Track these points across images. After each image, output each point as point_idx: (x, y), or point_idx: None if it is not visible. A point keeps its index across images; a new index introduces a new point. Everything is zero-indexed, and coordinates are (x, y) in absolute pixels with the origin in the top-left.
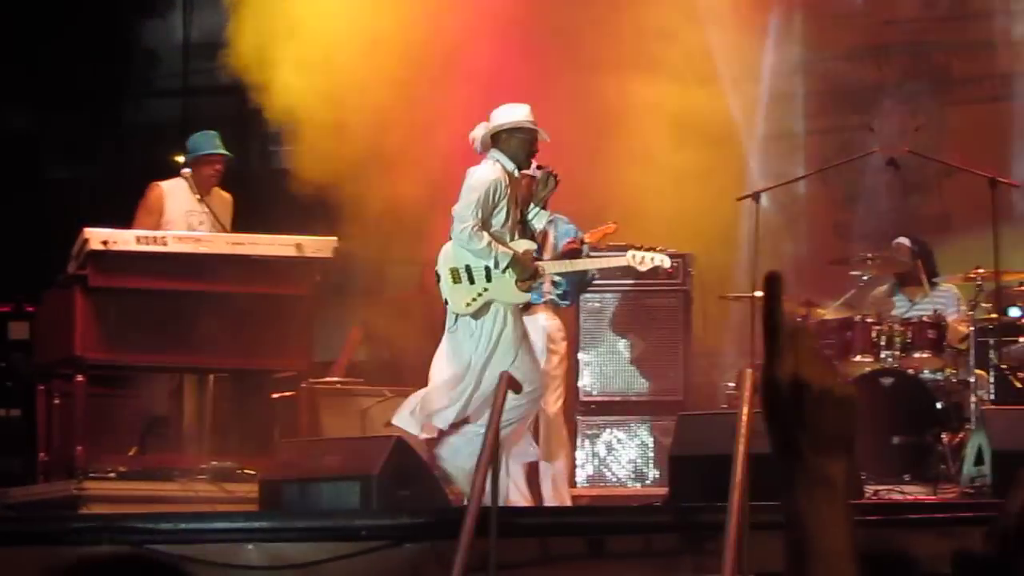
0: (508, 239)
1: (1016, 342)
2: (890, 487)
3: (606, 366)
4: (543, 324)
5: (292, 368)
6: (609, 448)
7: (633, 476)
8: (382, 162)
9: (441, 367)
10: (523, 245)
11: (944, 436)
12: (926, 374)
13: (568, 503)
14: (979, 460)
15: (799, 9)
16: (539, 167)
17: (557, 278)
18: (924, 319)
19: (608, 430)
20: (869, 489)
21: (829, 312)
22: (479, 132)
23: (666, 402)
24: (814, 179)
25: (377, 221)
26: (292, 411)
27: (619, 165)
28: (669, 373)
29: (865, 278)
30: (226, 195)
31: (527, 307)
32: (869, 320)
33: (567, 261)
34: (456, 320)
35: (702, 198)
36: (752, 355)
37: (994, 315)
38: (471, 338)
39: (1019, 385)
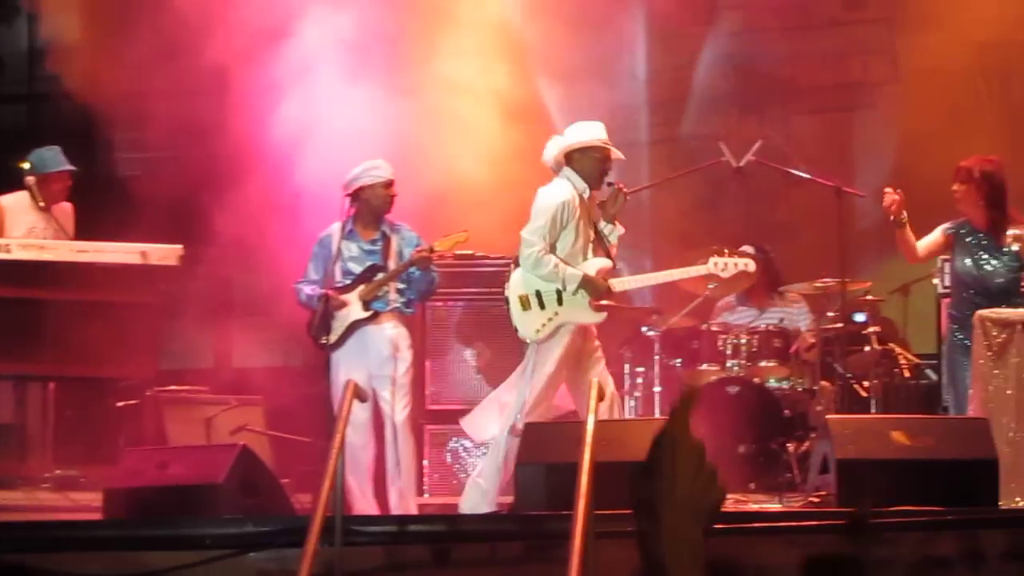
0: (581, 258)
1: (861, 351)
2: (735, 495)
3: (453, 374)
4: (389, 332)
5: (137, 376)
6: (456, 456)
7: None
8: (228, 171)
9: (520, 380)
10: (597, 264)
11: (790, 445)
12: (772, 383)
13: (414, 511)
14: (824, 469)
15: (646, 17)
16: (608, 183)
17: (401, 286)
18: (770, 328)
19: (455, 438)
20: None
21: (676, 321)
22: (551, 151)
23: None
24: (661, 188)
25: (223, 230)
26: (137, 419)
27: (460, 165)
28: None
29: (711, 287)
30: (67, 205)
31: (373, 316)
32: (715, 329)
33: (643, 276)
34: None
35: None
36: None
37: (840, 324)
38: (545, 355)
39: (864, 394)
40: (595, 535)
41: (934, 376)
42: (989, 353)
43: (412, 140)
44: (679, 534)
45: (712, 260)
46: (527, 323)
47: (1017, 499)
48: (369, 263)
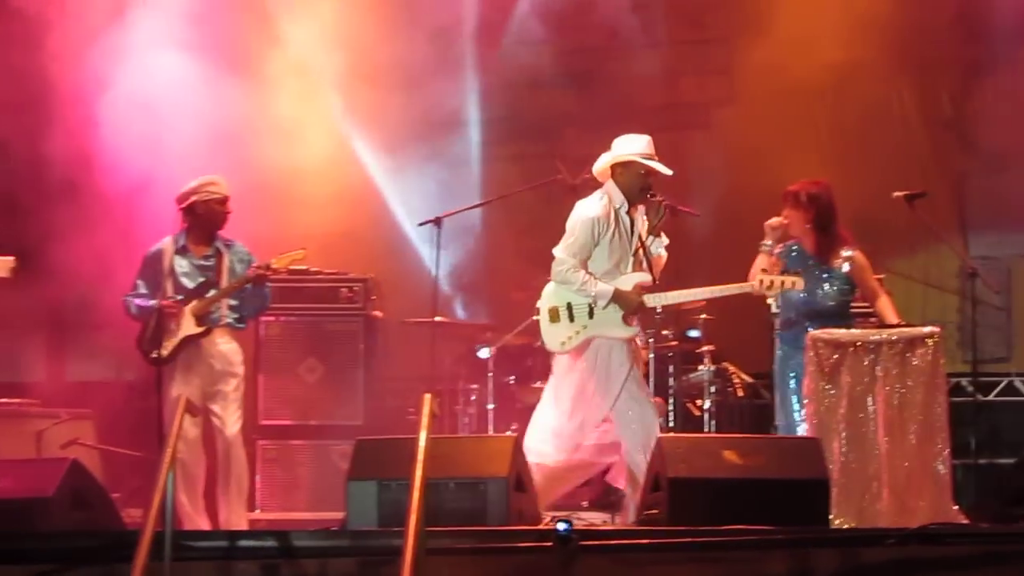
0: (619, 273)
1: (695, 369)
2: (567, 513)
3: (286, 390)
4: (221, 348)
5: None
6: (288, 472)
7: (311, 500)
8: (59, 180)
9: (551, 401)
10: (634, 279)
11: None
12: None
13: (245, 527)
14: (656, 487)
15: (480, 34)
16: (651, 195)
17: (234, 302)
18: None
19: (287, 454)
20: (547, 515)
21: (510, 338)
22: (599, 163)
23: (345, 426)
24: (496, 205)
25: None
26: None
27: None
28: (349, 398)
29: None
30: None
31: (206, 331)
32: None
33: (682, 292)
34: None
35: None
36: (431, 380)
37: (674, 342)
38: (571, 372)
39: (697, 413)
40: (426, 551)
41: (767, 396)
42: (821, 373)
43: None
44: None
45: (758, 278)
46: (554, 335)
47: (838, 520)
48: (202, 279)
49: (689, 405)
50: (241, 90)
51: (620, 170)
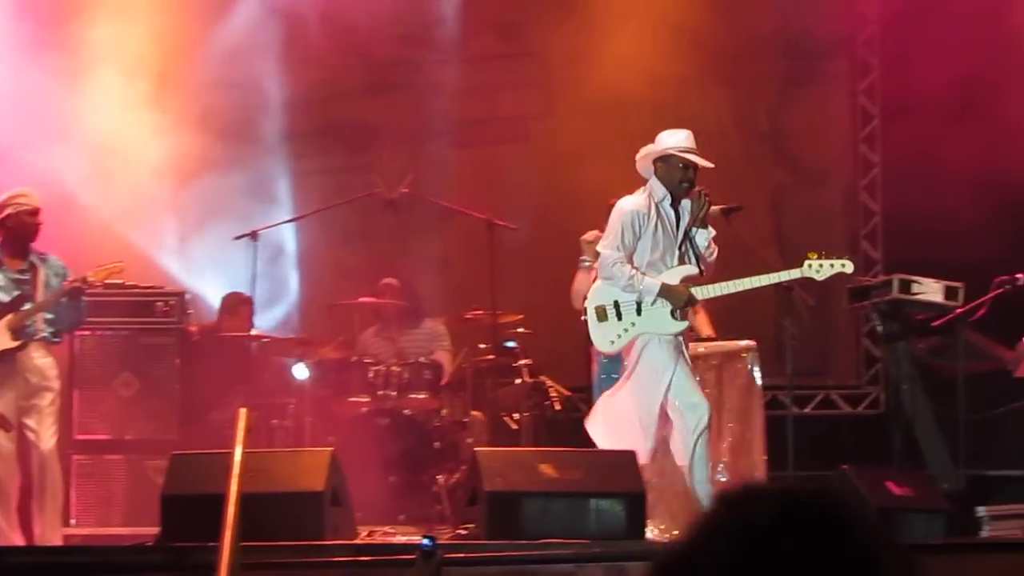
0: (664, 267)
1: (512, 383)
2: (384, 527)
3: (102, 404)
4: (36, 362)
5: None
6: (103, 486)
7: (127, 515)
8: None
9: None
10: (681, 272)
11: (440, 477)
12: (423, 415)
13: (60, 541)
14: (473, 501)
15: (297, 46)
16: (693, 188)
17: (50, 316)
18: (420, 360)
19: (103, 469)
20: (363, 529)
21: (326, 351)
22: (640, 158)
23: (161, 441)
24: (313, 219)
25: None
26: None
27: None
28: (164, 412)
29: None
30: None
31: (21, 345)
32: (367, 361)
33: (730, 283)
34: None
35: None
36: (248, 394)
37: (491, 355)
38: (629, 369)
39: (514, 426)
40: (241, 567)
41: (585, 409)
42: None
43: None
44: None
45: (807, 262)
46: (602, 334)
47: (654, 526)
48: (17, 292)
49: (506, 418)
50: (57, 99)
51: (660, 164)
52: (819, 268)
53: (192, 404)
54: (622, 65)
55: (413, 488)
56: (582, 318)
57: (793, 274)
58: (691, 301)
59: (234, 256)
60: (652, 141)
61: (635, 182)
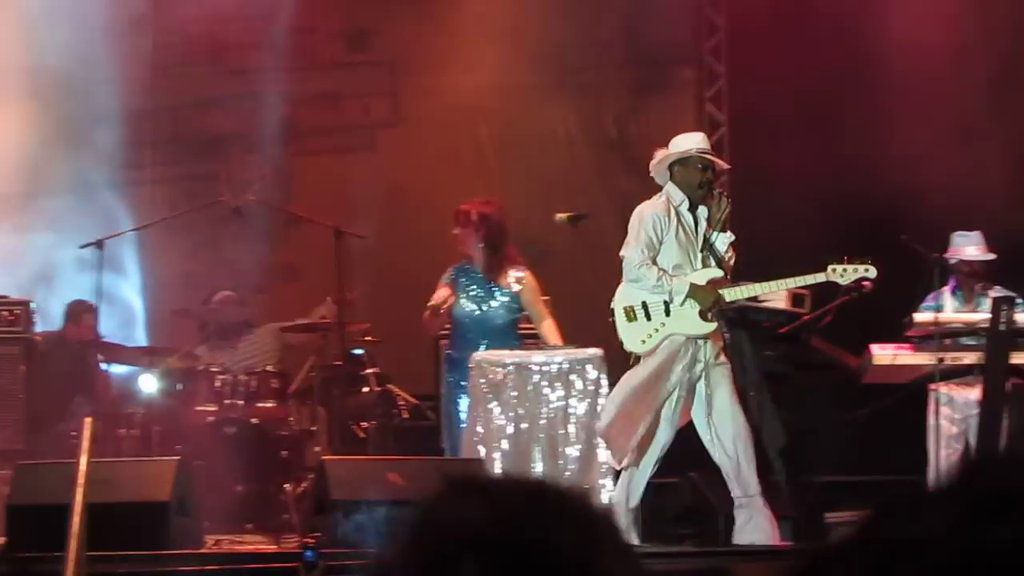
0: (689, 270)
1: (359, 392)
2: (232, 536)
3: None
4: None
5: None
6: None
7: None
8: None
9: (625, 398)
10: (706, 274)
11: (287, 486)
12: (270, 423)
13: None
14: (320, 509)
15: (145, 55)
16: (712, 190)
17: None
18: (268, 369)
19: None
20: (210, 539)
21: (172, 361)
22: (656, 164)
23: (6, 451)
24: (161, 227)
25: None
26: None
27: None
28: (9, 421)
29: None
30: None
31: None
32: (214, 369)
33: (757, 285)
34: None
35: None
36: (94, 403)
37: (338, 363)
38: (651, 370)
39: (362, 435)
40: None
41: (433, 417)
42: (486, 392)
43: None
44: None
45: (830, 267)
46: (632, 335)
47: None
48: None
49: (353, 427)
50: None
51: (678, 168)
52: (843, 272)
53: (38, 413)
54: (470, 74)
55: (260, 497)
56: (609, 319)
57: (819, 278)
58: (719, 302)
59: (76, 266)
60: (500, 150)
61: (482, 191)
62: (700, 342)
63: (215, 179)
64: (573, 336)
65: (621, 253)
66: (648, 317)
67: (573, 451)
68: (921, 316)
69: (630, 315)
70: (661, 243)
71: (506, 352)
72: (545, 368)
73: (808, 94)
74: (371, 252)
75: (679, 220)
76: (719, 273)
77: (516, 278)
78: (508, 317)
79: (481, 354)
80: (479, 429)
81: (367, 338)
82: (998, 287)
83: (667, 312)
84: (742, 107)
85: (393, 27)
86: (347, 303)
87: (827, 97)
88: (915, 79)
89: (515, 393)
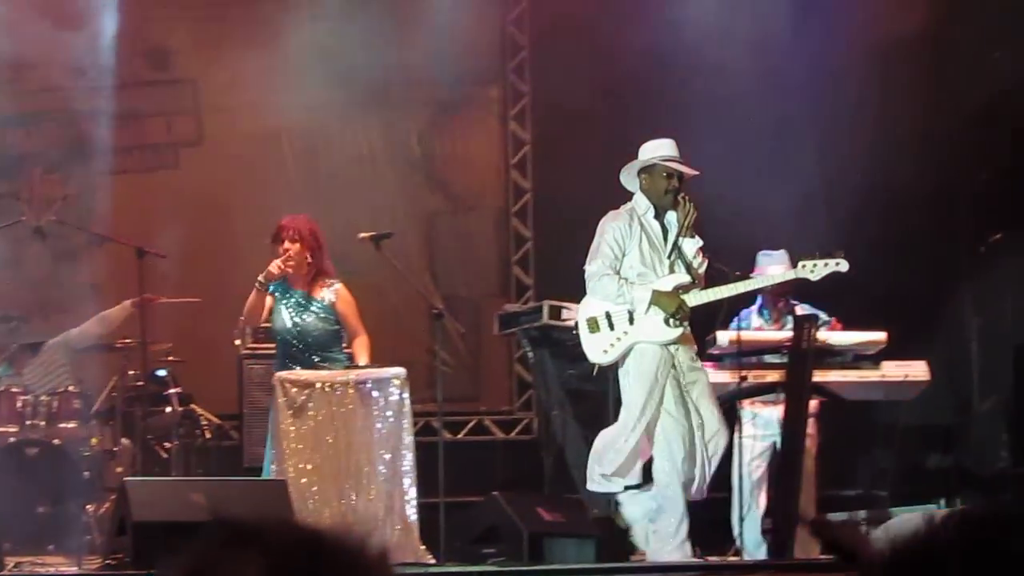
0: (653, 277)
1: (162, 411)
2: (33, 558)
3: None
4: None
5: None
6: None
7: None
8: None
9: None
10: (673, 280)
11: (89, 507)
12: (72, 444)
13: None
14: (122, 531)
15: None
16: (677, 196)
17: None
18: (70, 389)
19: None
20: (10, 560)
21: None
22: (625, 174)
23: None
24: None
25: None
26: None
27: None
28: None
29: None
30: None
31: None
32: (15, 390)
33: (718, 288)
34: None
35: None
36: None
37: (140, 382)
38: (624, 384)
39: (164, 455)
40: None
41: (236, 437)
42: (289, 412)
43: None
44: None
45: (800, 264)
46: (595, 345)
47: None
48: None
49: (156, 447)
50: None
51: (645, 176)
52: (813, 268)
53: None
54: (274, 93)
55: (62, 518)
56: (573, 332)
57: (788, 275)
58: (683, 308)
59: None
60: (305, 169)
61: (288, 210)
62: (672, 348)
63: (16, 198)
64: (377, 355)
65: (584, 267)
66: (611, 327)
67: (378, 471)
68: (724, 334)
69: (593, 326)
70: (624, 253)
71: (308, 372)
72: (349, 388)
73: (609, 114)
74: (174, 271)
75: (643, 228)
76: (686, 279)
77: (332, 291)
78: (325, 328)
79: (282, 374)
80: (282, 448)
81: (170, 358)
82: (805, 305)
83: (631, 321)
84: (546, 125)
85: (196, 46)
86: (149, 302)
87: (629, 116)
88: (716, 99)
89: (318, 413)
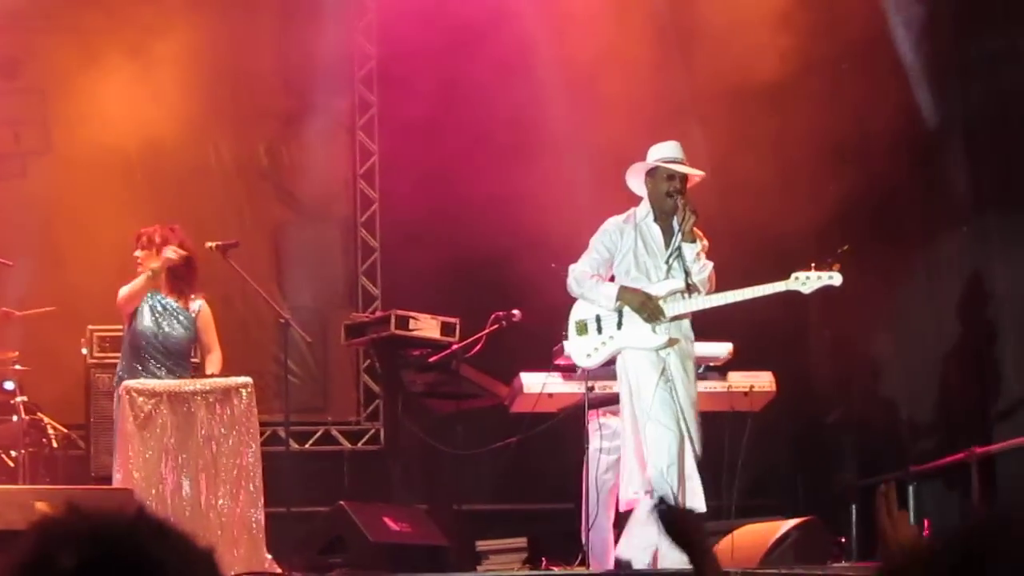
0: (646, 282)
1: (9, 420)
2: None
3: None
4: None
5: None
6: None
7: None
8: None
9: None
10: (666, 286)
11: None
12: None
13: None
14: None
15: None
16: (678, 199)
17: None
18: None
19: None
20: None
21: None
22: (630, 177)
23: None
24: None
25: None
26: None
27: None
28: None
29: None
30: None
31: None
32: None
33: (700, 298)
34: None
35: None
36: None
37: None
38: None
39: (11, 464)
40: None
41: (83, 446)
42: (135, 421)
43: None
44: None
45: (794, 275)
46: (580, 348)
47: None
48: None
49: (2, 456)
50: None
51: (648, 179)
52: (805, 280)
53: None
54: (122, 103)
55: None
56: (563, 333)
57: (778, 287)
58: (648, 306)
59: None
60: (152, 178)
61: (137, 223)
62: (663, 354)
63: None
64: (225, 365)
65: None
66: (599, 330)
67: (225, 481)
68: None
69: (581, 329)
70: (614, 257)
71: (156, 381)
72: (195, 396)
73: (456, 126)
74: (20, 280)
75: (639, 234)
76: (680, 285)
77: (199, 304)
78: (187, 340)
79: (129, 383)
80: (125, 459)
81: (16, 366)
82: None
83: (619, 325)
84: (393, 136)
85: (44, 56)
86: (5, 317)
87: (476, 130)
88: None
89: (165, 422)
